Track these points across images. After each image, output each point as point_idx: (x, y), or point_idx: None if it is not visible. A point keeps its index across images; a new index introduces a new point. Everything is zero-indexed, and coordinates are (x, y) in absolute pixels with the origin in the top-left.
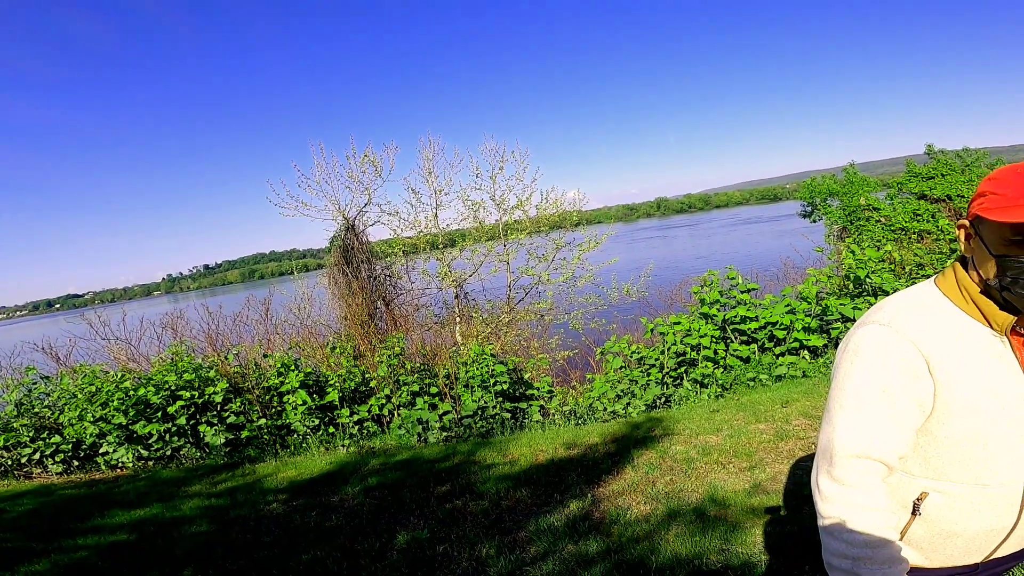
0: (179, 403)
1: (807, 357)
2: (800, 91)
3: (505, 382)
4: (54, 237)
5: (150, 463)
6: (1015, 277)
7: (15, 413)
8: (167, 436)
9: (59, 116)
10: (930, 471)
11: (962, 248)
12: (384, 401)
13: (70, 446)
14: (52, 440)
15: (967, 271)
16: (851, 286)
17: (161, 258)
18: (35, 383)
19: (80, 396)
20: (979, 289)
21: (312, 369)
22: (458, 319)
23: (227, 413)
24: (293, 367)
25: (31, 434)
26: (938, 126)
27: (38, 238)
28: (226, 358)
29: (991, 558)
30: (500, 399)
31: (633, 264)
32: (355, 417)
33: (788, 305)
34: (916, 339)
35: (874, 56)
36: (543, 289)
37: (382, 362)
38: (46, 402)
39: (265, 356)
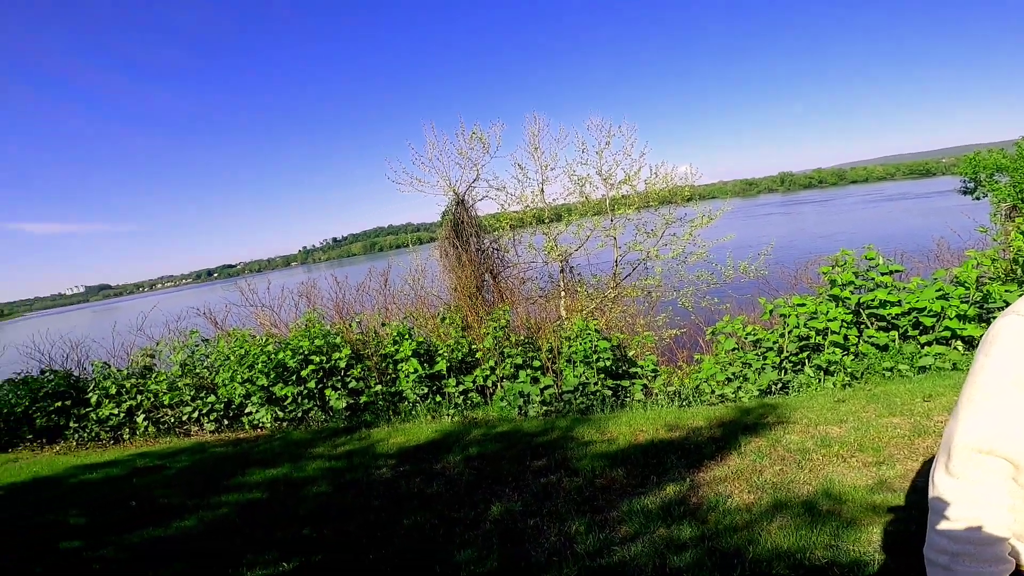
0: (311, 367)
1: (960, 348)
2: (960, 59)
3: (608, 358)
4: (213, 213)
5: (284, 424)
6: None
7: (180, 373)
8: (299, 399)
9: (212, 107)
10: None
11: None
12: (488, 372)
13: (222, 405)
14: (208, 399)
15: None
16: (1020, 271)
17: (299, 230)
18: (197, 345)
19: (232, 358)
20: None
21: (424, 339)
22: (563, 293)
23: (349, 379)
24: (407, 336)
25: (192, 393)
26: None
27: (200, 214)
28: (350, 326)
29: None
30: (602, 376)
31: (751, 241)
32: (460, 387)
33: (940, 289)
34: None
35: None
36: (651, 265)
37: (488, 334)
38: (205, 363)
39: (383, 325)
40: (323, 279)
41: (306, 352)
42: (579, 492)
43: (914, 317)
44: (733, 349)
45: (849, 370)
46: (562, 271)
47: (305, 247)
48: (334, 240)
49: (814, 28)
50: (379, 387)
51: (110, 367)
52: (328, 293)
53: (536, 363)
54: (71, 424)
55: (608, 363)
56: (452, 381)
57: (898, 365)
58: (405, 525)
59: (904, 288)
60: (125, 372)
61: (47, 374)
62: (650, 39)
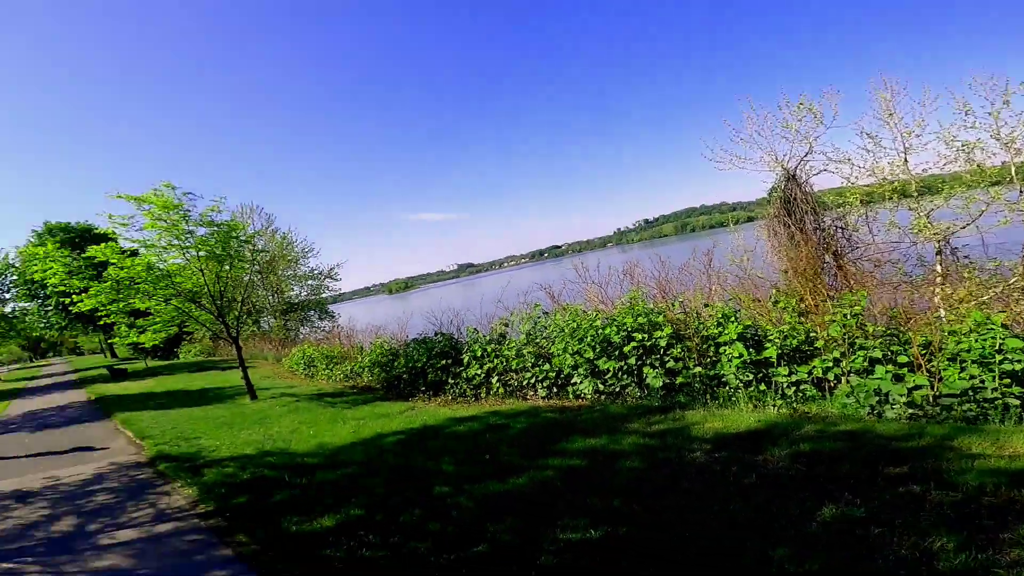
0: (632, 344)
1: None
2: None
3: (1019, 361)
4: (543, 199)
5: (602, 397)
6: None
7: (525, 341)
8: (619, 374)
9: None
10: None
11: None
12: (831, 364)
13: (554, 374)
14: (544, 367)
15: None
16: None
17: (614, 213)
18: (539, 318)
19: (566, 330)
20: None
21: (751, 322)
22: (939, 279)
23: (668, 358)
24: (732, 318)
25: (532, 360)
26: None
27: (534, 199)
28: (672, 305)
29: None
30: (1006, 381)
31: None
32: (793, 377)
33: None
34: None
35: None
36: None
37: (833, 321)
38: (544, 334)
39: (706, 306)
40: (644, 258)
41: (629, 329)
42: (954, 508)
43: None
44: None
45: None
46: (939, 253)
47: (619, 228)
48: (646, 221)
49: None
50: (698, 369)
51: (479, 333)
52: (650, 272)
53: (902, 359)
54: (448, 380)
55: (1019, 366)
56: (783, 370)
57: None
58: (715, 512)
59: None
60: (487, 338)
61: (438, 336)
62: None
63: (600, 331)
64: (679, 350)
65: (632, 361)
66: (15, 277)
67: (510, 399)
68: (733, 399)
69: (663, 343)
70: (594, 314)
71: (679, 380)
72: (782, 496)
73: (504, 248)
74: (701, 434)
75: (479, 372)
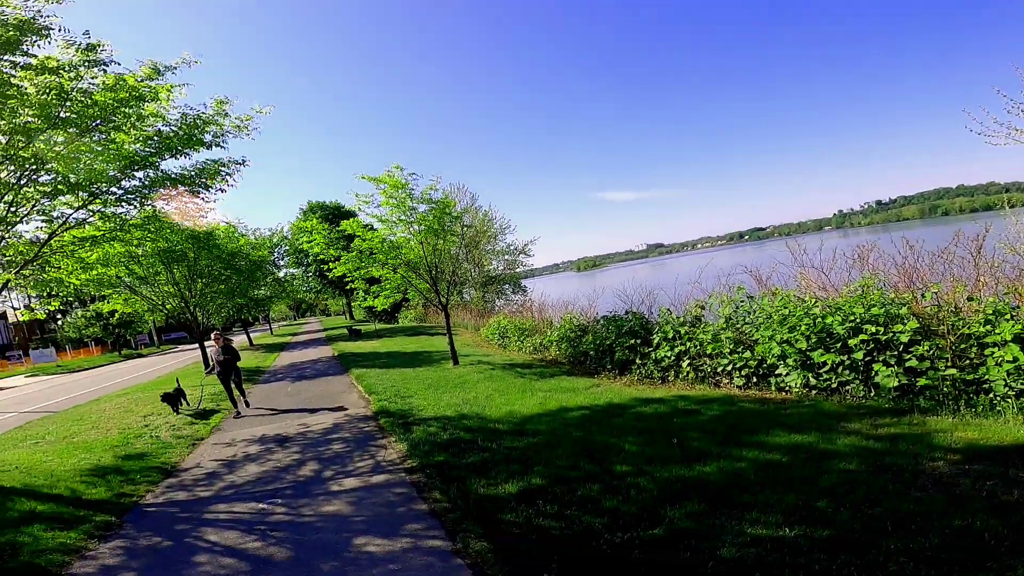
0: (861, 336)
1: None
2: None
3: None
4: (742, 180)
5: (813, 392)
6: None
7: (723, 326)
8: (839, 369)
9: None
10: None
11: None
12: None
13: (755, 363)
14: (744, 355)
15: None
16: None
17: (831, 194)
18: (742, 302)
19: (774, 317)
20: None
21: None
22: None
23: (909, 356)
24: (1007, 316)
25: (731, 347)
26: None
27: (733, 180)
28: (922, 296)
29: None
30: None
31: None
32: None
33: None
34: None
35: None
36: None
37: None
38: (747, 320)
39: (969, 299)
40: (888, 242)
41: (858, 320)
42: None
43: None
44: None
45: None
46: None
47: (841, 210)
48: (878, 203)
49: None
50: (952, 371)
51: (671, 314)
52: (893, 258)
53: None
54: (636, 360)
55: None
56: None
57: None
58: (955, 528)
59: None
60: (680, 320)
61: (628, 315)
62: None
63: (819, 320)
64: (926, 347)
65: (859, 356)
66: (287, 248)
67: (701, 385)
68: (997, 409)
69: (904, 338)
70: (811, 301)
71: (921, 382)
72: None
73: (698, 230)
74: (947, 443)
75: (669, 354)
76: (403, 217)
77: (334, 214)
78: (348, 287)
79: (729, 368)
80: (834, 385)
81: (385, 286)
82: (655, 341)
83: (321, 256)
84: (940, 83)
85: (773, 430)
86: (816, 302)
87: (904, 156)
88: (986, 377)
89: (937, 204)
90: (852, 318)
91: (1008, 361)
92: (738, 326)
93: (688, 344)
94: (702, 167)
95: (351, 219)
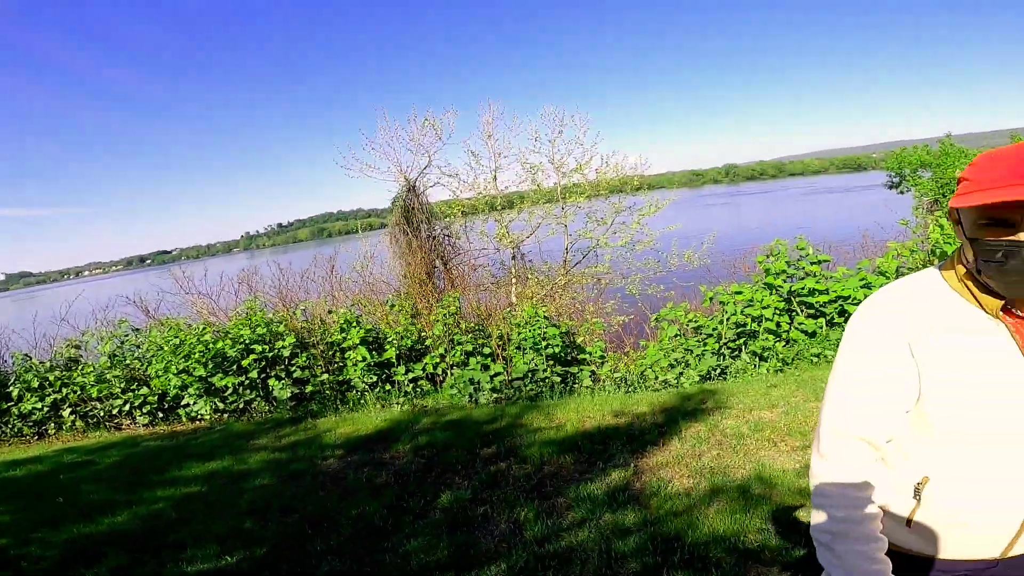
0: (252, 356)
1: None
2: (888, 57)
3: (557, 345)
4: (146, 196)
5: (225, 416)
6: (985, 260)
7: (108, 365)
8: (241, 389)
9: (148, 85)
10: (928, 455)
11: (955, 234)
12: (438, 360)
13: (156, 397)
14: (140, 391)
15: (961, 258)
16: (936, 262)
17: (240, 216)
18: (127, 335)
19: (166, 348)
20: (965, 273)
21: (372, 326)
22: (514, 280)
23: (294, 367)
24: (355, 323)
25: (122, 385)
26: None
27: (132, 198)
28: (294, 313)
29: (1010, 555)
30: (551, 362)
31: (696, 231)
32: (410, 375)
33: (863, 279)
34: (902, 321)
35: (973, 20)
36: (600, 253)
37: (438, 321)
38: (136, 354)
39: (330, 312)
40: (265, 266)
41: (247, 341)
42: (528, 479)
43: (840, 305)
44: (676, 336)
45: (781, 356)
46: (514, 258)
47: (248, 232)
48: (279, 226)
49: (757, 27)
50: (326, 376)
51: (31, 359)
52: (271, 280)
53: (486, 350)
54: None
55: (557, 350)
56: (401, 369)
57: (825, 351)
58: (353, 516)
59: (831, 277)
60: (48, 364)
61: None
62: (605, 30)
63: (212, 346)
64: (305, 358)
65: (255, 374)
66: None
67: (96, 432)
68: (362, 402)
69: (287, 353)
70: (202, 328)
71: (309, 389)
72: (408, 490)
73: (86, 253)
74: (333, 440)
75: (40, 406)
76: None
77: None
78: None
79: (127, 408)
80: (241, 406)
81: None
82: (15, 393)
83: None
84: (337, 116)
85: (186, 463)
86: (207, 329)
87: (302, 180)
88: (349, 377)
89: (324, 227)
90: (242, 340)
91: (360, 360)
92: (127, 362)
93: (65, 391)
94: (89, 182)
95: None
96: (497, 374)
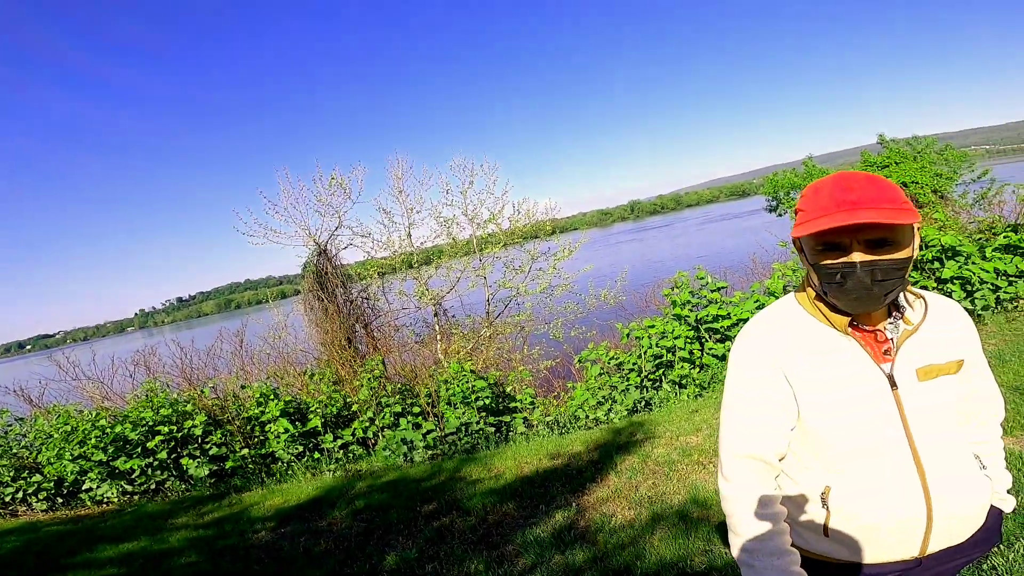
0: (158, 438)
1: None
2: (760, 85)
3: (487, 397)
4: (20, 276)
5: (135, 497)
6: (827, 282)
7: None
8: (149, 470)
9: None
10: (823, 466)
11: (800, 262)
12: (367, 424)
13: (52, 484)
14: (33, 479)
15: (810, 282)
16: None
17: (133, 293)
18: (9, 425)
19: (56, 436)
20: (815, 295)
21: (292, 397)
22: (439, 337)
23: (209, 445)
24: (272, 396)
25: (11, 474)
26: (889, 116)
27: (4, 279)
28: (202, 392)
29: (928, 553)
30: (483, 414)
31: (610, 269)
32: (339, 442)
33: (757, 301)
34: (771, 347)
35: (829, 50)
36: (521, 301)
37: (362, 385)
38: (23, 443)
39: (243, 387)
40: (163, 345)
41: (151, 423)
42: (473, 531)
43: (741, 327)
44: (600, 374)
45: (697, 381)
46: (436, 315)
47: (143, 309)
48: (179, 300)
49: (642, 66)
50: (246, 451)
51: None
52: (172, 360)
53: (416, 409)
54: None
55: (488, 401)
56: (329, 437)
57: None
58: None
59: (730, 302)
60: None
61: None
62: (506, 79)
63: (110, 430)
64: (220, 435)
65: (164, 455)
66: None
67: None
68: (289, 472)
69: (199, 431)
70: (95, 413)
71: (229, 464)
72: (351, 555)
73: None
74: (263, 513)
75: None
76: None
77: None
78: None
79: (21, 495)
80: (153, 486)
81: None
82: None
83: None
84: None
85: (98, 545)
86: (101, 414)
87: (203, 250)
88: (272, 449)
89: (231, 298)
90: (144, 422)
91: (283, 432)
92: (14, 451)
93: None
94: None
95: None
96: (430, 431)
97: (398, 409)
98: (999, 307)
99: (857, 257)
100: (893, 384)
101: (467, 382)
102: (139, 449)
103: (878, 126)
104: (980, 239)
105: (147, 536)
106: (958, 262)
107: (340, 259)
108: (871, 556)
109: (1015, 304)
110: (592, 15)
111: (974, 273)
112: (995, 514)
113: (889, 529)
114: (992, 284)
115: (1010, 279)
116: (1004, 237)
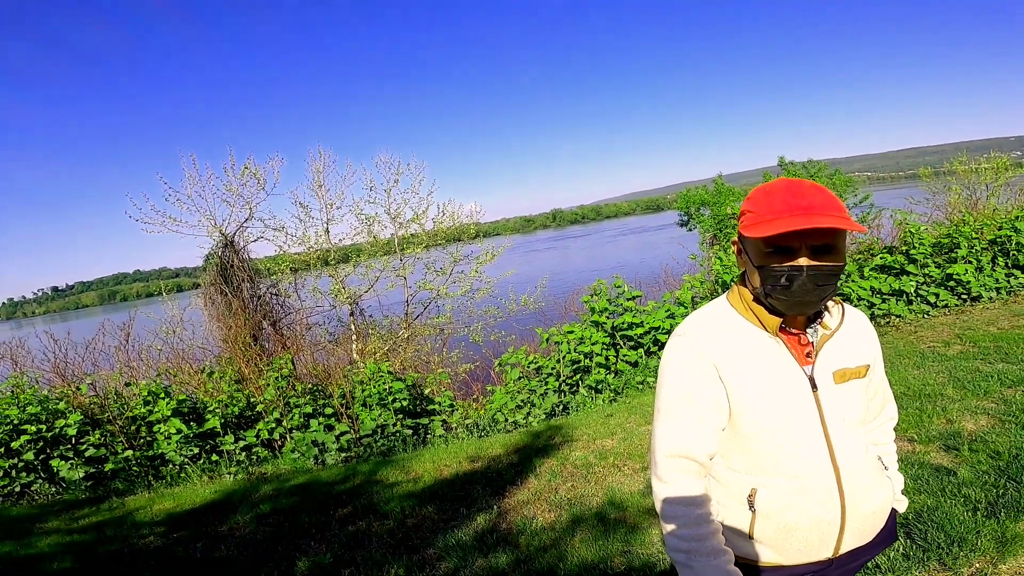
0: (24, 437)
1: None
2: (675, 102)
3: (404, 399)
4: None
5: None
6: (773, 284)
7: None
8: (14, 472)
9: None
10: (750, 467)
11: (737, 263)
12: (274, 425)
13: None
14: None
15: (745, 283)
16: (720, 290)
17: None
18: None
19: None
20: (752, 298)
21: (187, 396)
22: (354, 337)
23: (84, 446)
24: (164, 395)
25: None
26: (790, 139)
27: None
28: (78, 388)
29: (840, 553)
30: (400, 416)
31: (531, 275)
32: (241, 443)
33: (668, 310)
34: (707, 348)
35: (736, 71)
36: (442, 303)
37: (269, 385)
38: None
39: (128, 385)
40: (34, 337)
41: (15, 421)
42: (392, 535)
43: (653, 335)
44: (520, 378)
45: (612, 387)
46: (352, 314)
47: (11, 299)
48: (55, 289)
49: (567, 78)
50: (129, 452)
51: None
52: (43, 353)
53: (328, 410)
54: None
55: (405, 403)
56: (230, 438)
57: (647, 378)
58: None
59: (644, 311)
60: None
61: None
62: (445, 85)
63: None
64: (98, 436)
65: (30, 456)
66: None
67: None
68: (182, 476)
69: (72, 431)
70: None
71: (109, 467)
72: (259, 560)
73: None
74: (150, 518)
75: None
76: None
77: None
78: None
79: None
80: (18, 489)
81: None
82: None
83: None
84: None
85: None
86: None
87: (86, 237)
88: (162, 451)
89: (116, 289)
90: (8, 421)
91: (175, 433)
92: None
93: None
94: None
95: None
96: (343, 433)
97: (309, 410)
98: (873, 322)
99: (804, 261)
100: (814, 386)
101: (384, 383)
102: (2, 449)
103: (778, 150)
104: (859, 259)
105: (12, 540)
106: (839, 279)
107: (249, 252)
108: (792, 557)
109: (887, 320)
110: (515, 20)
111: (853, 290)
112: (892, 514)
113: (808, 529)
114: (868, 301)
115: (884, 296)
116: (880, 258)
